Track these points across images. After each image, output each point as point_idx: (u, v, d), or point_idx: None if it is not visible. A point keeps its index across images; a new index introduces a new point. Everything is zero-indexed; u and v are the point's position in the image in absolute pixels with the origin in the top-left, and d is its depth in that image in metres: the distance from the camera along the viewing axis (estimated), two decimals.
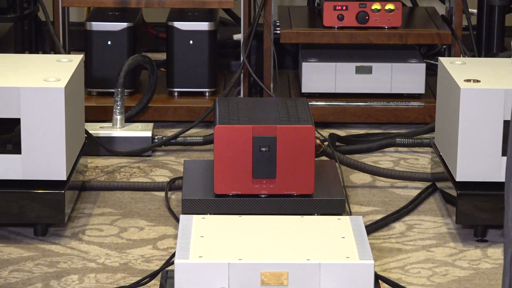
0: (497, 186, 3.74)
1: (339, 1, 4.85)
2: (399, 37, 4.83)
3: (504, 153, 3.70)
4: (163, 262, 3.49)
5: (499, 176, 3.72)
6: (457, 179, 3.75)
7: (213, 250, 3.01)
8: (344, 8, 4.83)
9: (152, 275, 3.38)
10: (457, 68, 3.93)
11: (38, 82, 3.71)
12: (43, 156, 3.69)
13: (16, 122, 3.66)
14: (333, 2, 4.84)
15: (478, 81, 3.76)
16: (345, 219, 3.24)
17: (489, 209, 3.74)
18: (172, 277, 3.07)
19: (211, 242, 3.07)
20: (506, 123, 3.69)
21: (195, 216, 3.25)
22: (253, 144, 3.71)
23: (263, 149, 3.71)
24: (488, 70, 3.91)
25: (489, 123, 3.70)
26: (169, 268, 3.25)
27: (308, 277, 2.94)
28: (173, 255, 3.16)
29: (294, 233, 3.14)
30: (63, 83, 3.69)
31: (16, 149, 3.68)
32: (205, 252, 3.00)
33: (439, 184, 4.09)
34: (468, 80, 3.76)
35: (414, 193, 4.16)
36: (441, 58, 4.04)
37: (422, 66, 4.87)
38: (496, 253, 3.71)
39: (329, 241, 3.08)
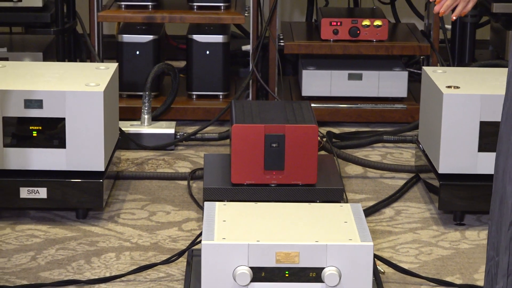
0: (474, 178, 3.75)
1: (334, 18, 4.84)
2: (385, 49, 4.83)
3: (480, 149, 3.70)
4: (187, 242, 3.49)
5: (476, 169, 3.73)
6: (440, 171, 3.75)
7: (234, 233, 3.01)
8: (338, 24, 4.82)
9: (180, 254, 3.37)
10: (439, 76, 3.92)
11: (81, 86, 3.70)
12: (85, 150, 3.69)
13: (61, 121, 3.66)
14: (329, 18, 4.83)
15: (457, 87, 3.76)
16: (346, 206, 3.23)
17: (467, 197, 3.74)
18: (198, 255, 3.07)
19: (232, 225, 3.07)
20: (482, 123, 3.69)
21: (217, 203, 3.24)
22: (265, 141, 3.70)
23: (274, 145, 3.70)
24: (466, 78, 3.90)
25: (467, 123, 3.70)
26: (195, 247, 3.26)
27: (317, 256, 2.94)
28: (198, 236, 3.15)
29: (303, 218, 3.14)
30: (102, 88, 3.69)
31: (61, 144, 3.67)
32: (227, 234, 2.99)
33: (422, 175, 4.09)
34: (449, 87, 3.76)
35: (401, 182, 4.16)
36: (424, 68, 4.03)
37: (405, 73, 4.86)
38: (473, 235, 3.70)
39: (333, 225, 3.08)
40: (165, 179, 4.19)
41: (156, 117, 4.70)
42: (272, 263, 2.94)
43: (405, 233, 3.71)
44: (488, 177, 3.73)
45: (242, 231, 3.03)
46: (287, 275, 2.94)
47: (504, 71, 4.08)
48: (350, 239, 2.97)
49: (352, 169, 4.32)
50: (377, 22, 4.82)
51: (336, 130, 4.73)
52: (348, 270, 2.94)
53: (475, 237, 3.69)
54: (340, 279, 2.94)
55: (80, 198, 3.72)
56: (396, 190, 4.07)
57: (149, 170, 4.28)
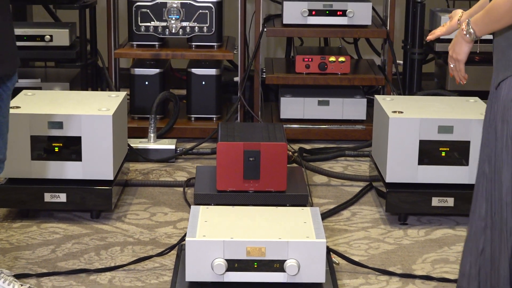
0: (415, 186, 3.73)
1: (307, 55, 4.84)
2: (348, 80, 4.82)
3: (419, 162, 3.69)
4: (180, 238, 3.48)
5: (416, 179, 3.71)
6: (387, 181, 3.74)
7: (213, 231, 3.00)
8: (310, 60, 4.81)
9: (171, 248, 3.38)
10: (387, 103, 3.92)
11: (94, 111, 3.70)
12: (97, 163, 3.68)
13: (78, 139, 3.66)
14: (303, 55, 4.82)
15: (401, 112, 3.75)
16: (307, 209, 3.22)
17: (409, 202, 3.73)
18: (185, 249, 3.06)
19: (212, 225, 3.06)
20: (421, 141, 3.68)
21: (201, 207, 3.23)
22: (244, 155, 3.69)
23: (251, 159, 3.70)
24: (409, 104, 3.89)
25: (409, 142, 3.69)
26: (183, 243, 3.25)
27: (280, 250, 2.93)
28: (186, 234, 3.14)
29: (271, 219, 3.13)
30: (111, 112, 3.68)
31: (78, 157, 3.67)
32: (207, 232, 2.99)
33: (374, 184, 4.08)
34: (395, 112, 3.75)
35: (357, 189, 4.14)
36: (376, 96, 4.02)
37: (364, 100, 4.85)
38: (413, 233, 3.69)
39: (295, 225, 3.07)
40: (165, 186, 4.18)
41: (160, 135, 4.69)
42: (243, 256, 2.93)
43: (358, 231, 3.70)
44: (426, 186, 3.74)
45: (220, 229, 3.02)
46: (256, 266, 2.94)
47: (442, 99, 4.08)
48: (307, 237, 2.96)
49: (318, 178, 4.31)
50: (341, 59, 4.82)
51: (307, 146, 4.72)
52: (305, 262, 2.94)
53: (415, 235, 3.68)
54: (299, 269, 2.93)
55: (93, 201, 3.72)
56: (353, 196, 4.05)
57: (153, 179, 4.26)
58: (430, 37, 3.11)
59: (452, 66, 2.74)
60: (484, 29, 2.55)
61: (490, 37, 2.61)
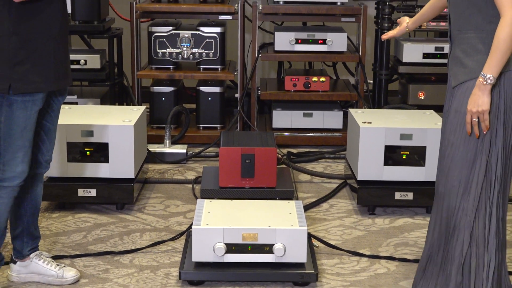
0: (381, 183, 3.71)
1: (294, 76, 4.81)
2: (328, 97, 4.79)
3: (384, 164, 3.66)
4: (188, 226, 3.46)
5: (382, 177, 3.69)
6: (358, 179, 3.72)
7: (215, 220, 2.98)
8: (297, 80, 4.79)
9: (181, 234, 3.36)
10: (359, 115, 3.90)
11: (119, 121, 3.68)
12: (121, 164, 3.66)
13: (106, 145, 3.64)
14: (291, 76, 4.80)
15: (370, 122, 3.73)
16: (292, 202, 3.20)
17: (376, 196, 3.71)
18: (192, 235, 3.05)
19: (214, 215, 3.04)
20: (386, 147, 3.66)
21: (206, 200, 3.22)
22: (241, 158, 3.68)
23: (247, 161, 3.68)
24: (377, 116, 3.87)
25: (376, 147, 3.66)
26: (191, 230, 3.22)
27: (269, 236, 2.91)
28: (193, 223, 3.13)
29: (262, 210, 3.11)
30: (133, 122, 3.66)
31: (105, 160, 3.65)
32: (210, 221, 2.97)
33: (348, 181, 4.05)
34: (365, 122, 3.73)
35: (334, 186, 4.12)
36: (350, 109, 4.00)
37: (341, 113, 4.82)
38: (380, 221, 3.66)
39: (281, 215, 3.05)
40: (178, 183, 4.15)
41: (174, 142, 4.67)
42: (239, 241, 2.92)
43: (335, 220, 3.68)
44: (390, 183, 3.71)
45: (220, 219, 3.00)
46: (249, 248, 2.92)
47: (404, 112, 4.06)
48: (292, 225, 2.95)
49: (303, 177, 4.28)
50: (322, 79, 4.79)
51: (294, 150, 4.69)
52: (290, 245, 2.92)
53: (381, 223, 3.65)
54: (285, 252, 2.92)
55: (118, 196, 3.69)
56: (331, 191, 4.03)
57: (167, 177, 4.24)
58: (384, 37, 3.09)
59: (475, 120, 2.51)
60: (499, 67, 2.45)
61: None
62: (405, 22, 3.06)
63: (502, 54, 2.42)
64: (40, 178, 2.96)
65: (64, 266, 3.00)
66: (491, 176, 2.56)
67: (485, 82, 2.46)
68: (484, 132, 2.53)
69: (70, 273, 2.99)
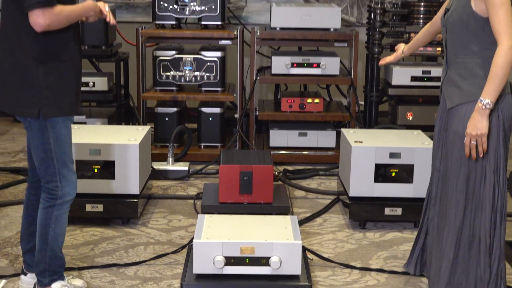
0: (371, 199, 3.71)
1: (289, 97, 4.83)
2: (321, 117, 4.80)
3: (375, 181, 3.66)
4: (189, 240, 3.45)
5: (372, 193, 3.69)
6: (350, 195, 3.71)
7: (215, 234, 2.97)
8: (292, 101, 4.80)
9: (183, 247, 3.36)
10: (350, 134, 3.90)
11: (125, 140, 3.68)
12: (126, 181, 3.66)
13: (112, 163, 3.64)
14: (287, 97, 4.81)
15: (361, 142, 3.73)
16: (287, 217, 3.19)
17: (367, 211, 3.71)
18: (193, 248, 3.03)
19: (214, 229, 3.03)
20: (376, 165, 3.65)
21: (206, 215, 3.21)
22: (240, 175, 3.67)
23: (245, 178, 3.68)
24: (368, 136, 3.87)
25: (366, 164, 3.67)
26: (192, 243, 3.21)
27: (266, 249, 2.91)
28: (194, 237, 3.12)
29: (259, 225, 3.10)
30: (137, 141, 3.66)
31: (112, 177, 3.64)
32: (210, 235, 2.96)
33: (341, 197, 4.05)
34: (356, 141, 3.73)
35: (327, 201, 4.11)
36: (342, 129, 4.01)
37: (334, 132, 4.82)
38: (370, 235, 3.65)
39: (278, 230, 3.04)
40: (180, 198, 4.15)
41: (177, 159, 4.67)
42: (238, 254, 2.91)
43: (328, 234, 3.67)
44: (380, 199, 3.71)
45: (220, 233, 2.99)
46: (247, 261, 2.92)
47: (393, 132, 4.07)
48: (287, 239, 2.94)
49: (298, 193, 4.28)
50: (316, 100, 4.80)
51: (290, 168, 4.69)
52: (286, 258, 2.91)
53: (372, 237, 3.65)
54: (281, 264, 2.91)
55: (124, 211, 3.69)
56: (324, 206, 4.02)
57: (170, 193, 4.24)
58: (382, 62, 3.12)
59: (473, 143, 2.53)
60: (497, 92, 2.46)
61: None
62: (401, 49, 3.09)
63: (499, 80, 2.44)
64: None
65: (72, 277, 2.99)
66: (497, 190, 2.60)
67: (484, 107, 2.47)
68: (481, 156, 2.53)
69: (78, 284, 2.98)
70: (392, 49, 4.81)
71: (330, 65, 4.77)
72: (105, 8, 2.81)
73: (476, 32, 2.52)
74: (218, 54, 4.78)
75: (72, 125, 3.92)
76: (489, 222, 2.61)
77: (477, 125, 2.49)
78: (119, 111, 4.97)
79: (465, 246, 2.67)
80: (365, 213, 3.71)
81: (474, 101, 2.54)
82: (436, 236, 2.78)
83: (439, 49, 4.74)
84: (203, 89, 4.82)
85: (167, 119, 4.86)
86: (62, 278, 2.89)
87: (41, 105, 2.68)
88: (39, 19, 2.55)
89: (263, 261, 2.91)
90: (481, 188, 2.60)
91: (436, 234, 2.79)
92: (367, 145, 3.68)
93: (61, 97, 2.71)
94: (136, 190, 3.68)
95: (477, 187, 2.61)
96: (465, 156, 2.58)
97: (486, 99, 2.47)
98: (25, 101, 2.68)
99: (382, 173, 3.70)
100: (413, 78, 4.73)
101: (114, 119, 4.99)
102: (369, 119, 4.97)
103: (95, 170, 3.68)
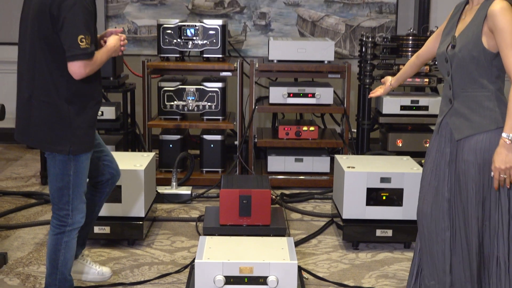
0: (363, 221, 3.70)
1: (286, 125, 4.84)
2: (316, 144, 4.81)
3: (367, 204, 3.66)
4: (191, 260, 3.44)
5: (364, 216, 3.69)
6: (343, 217, 3.71)
7: (215, 255, 2.97)
8: (289, 129, 4.81)
9: (185, 267, 3.34)
10: (343, 160, 3.91)
11: (131, 166, 3.69)
12: (132, 204, 3.66)
13: (119, 187, 3.61)
14: (284, 125, 4.83)
15: (353, 167, 3.74)
16: (284, 239, 3.18)
17: (359, 232, 3.70)
18: (194, 268, 3.03)
19: (214, 250, 3.02)
20: (368, 189, 3.66)
21: (207, 237, 3.20)
22: (239, 199, 3.67)
23: (244, 201, 3.68)
24: (359, 162, 3.88)
25: (359, 188, 3.67)
26: (194, 263, 3.20)
27: (264, 269, 2.90)
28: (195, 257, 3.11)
29: (258, 246, 3.09)
30: (143, 167, 3.67)
31: (119, 200, 3.62)
32: (211, 256, 2.95)
33: (335, 219, 4.04)
34: (349, 167, 3.74)
35: (322, 223, 4.11)
36: (336, 155, 4.01)
37: (328, 158, 4.84)
38: (363, 255, 3.64)
39: (274, 250, 3.03)
40: (183, 221, 4.15)
41: (180, 184, 4.67)
42: (237, 273, 2.90)
43: (322, 254, 3.66)
44: (372, 221, 3.71)
45: (220, 254, 2.99)
46: (246, 280, 2.90)
47: (384, 158, 4.07)
48: (284, 259, 2.93)
49: (294, 215, 4.27)
50: (312, 128, 4.82)
51: (287, 192, 4.69)
52: (282, 277, 2.90)
53: (364, 257, 3.64)
54: (278, 283, 2.90)
55: (129, 232, 3.69)
56: (319, 228, 4.02)
57: (174, 216, 4.23)
58: (372, 95, 3.11)
59: (503, 176, 2.49)
60: None
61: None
62: (389, 82, 3.08)
63: None
64: (106, 196, 3.14)
65: (100, 266, 3.19)
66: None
67: (508, 142, 2.45)
68: (508, 186, 2.50)
69: (106, 270, 3.21)
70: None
71: (325, 95, 4.79)
72: (121, 38, 2.90)
73: (485, 67, 2.52)
74: (219, 85, 4.80)
75: None
76: (505, 247, 2.58)
77: (505, 159, 2.46)
78: (126, 138, 4.98)
79: (484, 270, 2.64)
80: (357, 234, 3.70)
81: (485, 132, 2.52)
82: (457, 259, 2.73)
83: (426, 80, 4.77)
84: (205, 117, 4.84)
85: (171, 146, 4.86)
86: None
87: (72, 143, 2.73)
88: (81, 70, 2.63)
89: (261, 280, 2.90)
90: (496, 215, 2.57)
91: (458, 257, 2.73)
92: (359, 170, 3.68)
93: (88, 134, 2.79)
94: (141, 213, 3.67)
95: (492, 213, 2.58)
96: (480, 184, 2.56)
97: (510, 133, 2.45)
98: (56, 139, 2.72)
99: (374, 196, 3.70)
100: (403, 107, 4.75)
101: (122, 146, 4.99)
102: (361, 146, 4.97)
103: None
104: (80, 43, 2.59)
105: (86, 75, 2.67)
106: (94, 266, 3.19)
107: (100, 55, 2.75)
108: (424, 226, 2.75)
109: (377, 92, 3.10)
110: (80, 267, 3.17)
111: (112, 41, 2.85)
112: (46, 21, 2.62)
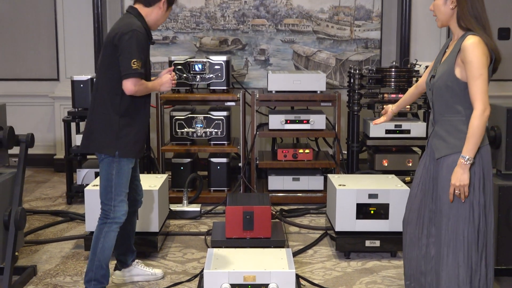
0: (354, 233, 3.69)
1: (284, 148, 4.86)
2: (311, 164, 4.82)
3: (357, 217, 3.66)
4: (201, 270, 3.42)
5: (355, 228, 3.68)
6: (336, 230, 3.71)
7: (222, 265, 2.97)
8: (287, 151, 4.83)
9: (195, 276, 3.33)
10: (336, 179, 3.91)
11: (146, 186, 3.69)
12: (148, 220, 3.66)
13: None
14: (282, 149, 4.85)
15: (344, 185, 3.74)
16: (283, 250, 3.18)
17: (351, 243, 3.70)
18: (203, 277, 3.03)
19: (221, 261, 3.03)
20: (357, 204, 3.66)
21: (215, 249, 3.20)
22: (243, 214, 3.68)
23: (247, 216, 3.68)
24: (350, 180, 3.88)
25: (349, 204, 3.67)
26: (203, 273, 3.20)
27: (265, 277, 2.90)
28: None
29: (260, 257, 3.10)
30: (157, 187, 3.68)
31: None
32: (218, 266, 2.96)
33: (328, 232, 4.03)
34: (340, 185, 3.74)
35: (317, 236, 4.10)
36: (329, 175, 4.01)
37: (322, 177, 4.83)
38: (354, 264, 3.63)
39: (275, 260, 3.04)
40: (193, 235, 4.14)
41: (191, 202, 4.67)
42: (241, 281, 2.90)
43: (318, 263, 3.65)
44: (361, 233, 3.70)
45: (226, 264, 2.99)
46: (250, 287, 2.90)
47: (371, 176, 4.07)
48: (283, 268, 2.93)
49: (292, 229, 4.26)
50: (307, 151, 4.83)
51: (285, 207, 4.69)
52: (282, 284, 2.90)
53: (355, 265, 3.63)
54: None
55: (145, 246, 3.68)
56: (314, 240, 4.01)
57: (185, 230, 4.23)
58: (377, 122, 3.12)
59: (457, 192, 2.54)
60: (475, 149, 2.49)
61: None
62: (390, 109, 3.11)
63: (476, 139, 2.48)
64: (136, 213, 3.32)
65: (153, 268, 3.40)
66: (482, 230, 2.59)
67: (465, 163, 2.50)
68: (463, 201, 2.54)
69: (159, 271, 3.38)
70: (369, 107, 4.87)
71: (318, 121, 4.81)
72: (172, 75, 3.11)
73: (459, 95, 2.55)
74: (224, 113, 4.83)
75: None
76: (467, 259, 2.57)
77: (460, 177, 2.51)
78: (142, 162, 4.99)
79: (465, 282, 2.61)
80: (349, 245, 3.70)
81: (459, 152, 2.55)
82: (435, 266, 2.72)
83: (408, 106, 4.79)
84: (212, 142, 4.86)
85: (182, 168, 4.88)
86: None
87: (117, 148, 2.99)
88: (132, 86, 2.93)
89: (263, 287, 2.90)
90: (468, 228, 2.57)
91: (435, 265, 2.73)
92: (349, 188, 3.69)
93: (131, 142, 3.01)
94: (156, 228, 3.68)
95: (465, 228, 2.58)
96: (457, 200, 2.59)
97: (467, 155, 2.49)
98: (105, 143, 2.99)
99: (363, 211, 3.70)
100: (387, 131, 4.77)
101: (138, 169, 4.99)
102: (351, 166, 4.98)
103: None
104: (133, 65, 2.90)
105: (135, 93, 2.94)
106: (147, 269, 3.36)
107: (152, 84, 3.04)
108: (408, 232, 2.77)
109: (380, 120, 3.13)
110: (136, 271, 3.35)
111: (164, 76, 3.12)
112: (110, 50, 2.96)
